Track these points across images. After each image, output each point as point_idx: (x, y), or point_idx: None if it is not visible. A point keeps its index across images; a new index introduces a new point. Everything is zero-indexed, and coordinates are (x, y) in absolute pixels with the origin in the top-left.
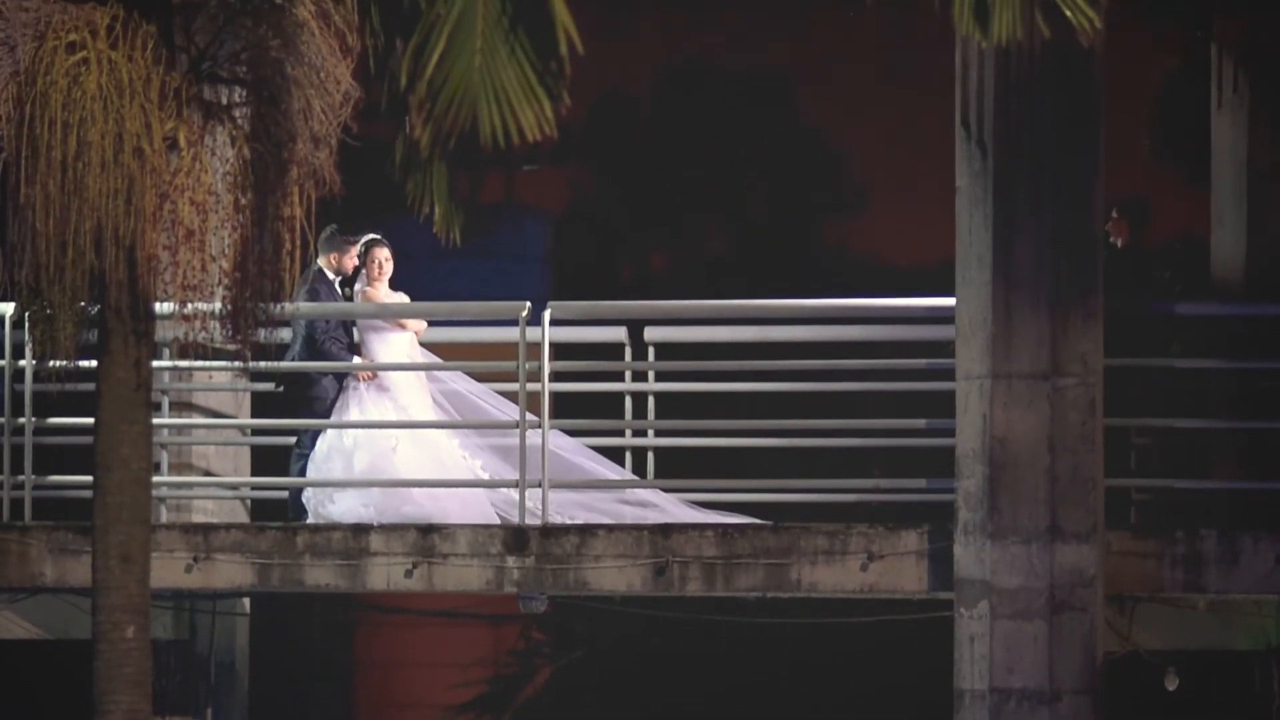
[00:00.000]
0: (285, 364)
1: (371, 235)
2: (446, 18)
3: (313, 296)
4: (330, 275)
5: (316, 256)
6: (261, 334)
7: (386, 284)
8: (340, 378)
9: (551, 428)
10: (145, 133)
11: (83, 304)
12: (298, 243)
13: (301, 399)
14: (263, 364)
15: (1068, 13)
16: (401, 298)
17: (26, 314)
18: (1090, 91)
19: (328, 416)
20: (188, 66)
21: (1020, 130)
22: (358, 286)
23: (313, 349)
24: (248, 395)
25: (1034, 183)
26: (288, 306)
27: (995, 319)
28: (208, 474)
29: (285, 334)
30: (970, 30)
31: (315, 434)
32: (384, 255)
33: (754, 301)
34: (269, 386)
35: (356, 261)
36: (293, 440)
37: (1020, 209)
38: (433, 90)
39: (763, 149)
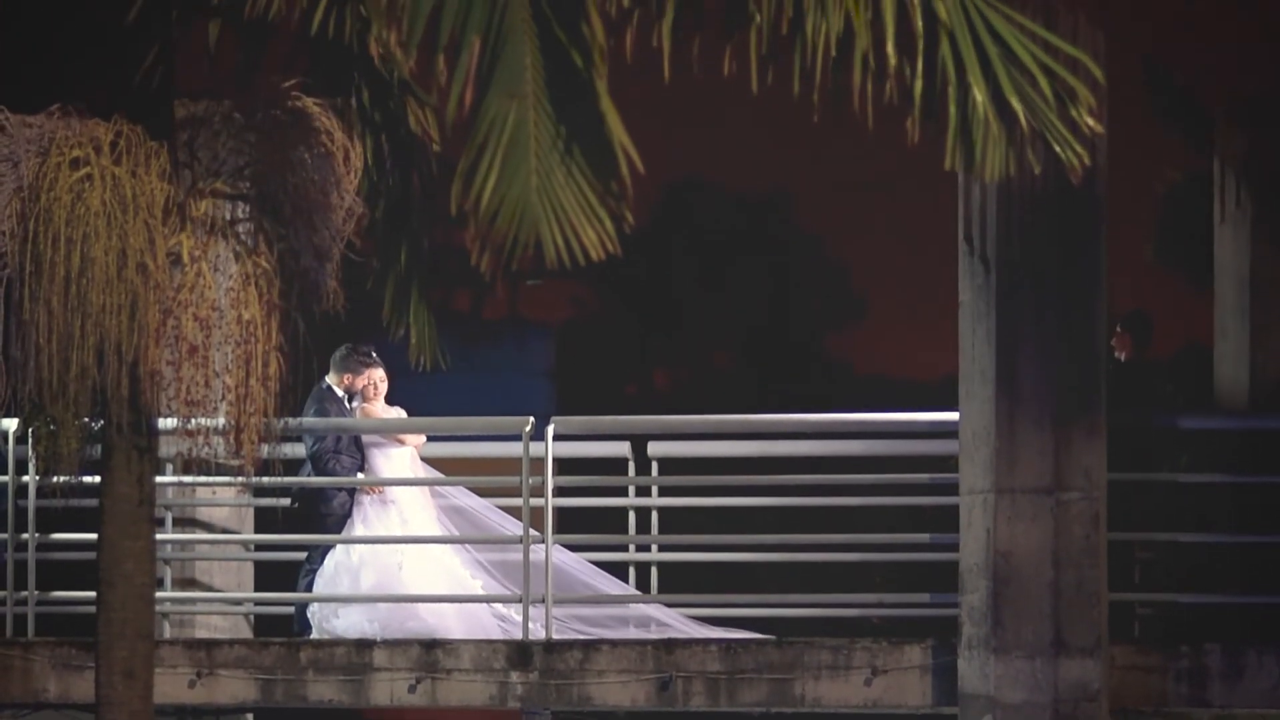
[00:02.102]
0: (287, 479)
1: (366, 353)
2: (499, 141)
3: (321, 415)
4: (339, 393)
5: (325, 374)
6: (264, 449)
7: (383, 401)
8: (353, 495)
9: (555, 543)
10: (149, 248)
11: (86, 419)
12: (301, 358)
13: (314, 515)
14: (265, 479)
15: (1057, 148)
16: (399, 412)
17: (30, 429)
18: (1092, 207)
19: (339, 533)
20: (191, 182)
21: (1022, 246)
22: (354, 404)
23: (319, 466)
24: (251, 510)
25: (1036, 298)
26: (290, 422)
27: (998, 433)
28: (211, 589)
29: (290, 449)
30: (959, 167)
31: (325, 550)
32: (379, 375)
33: (757, 416)
34: (272, 501)
35: (365, 381)
36: (296, 555)
37: (1023, 324)
38: (489, 214)
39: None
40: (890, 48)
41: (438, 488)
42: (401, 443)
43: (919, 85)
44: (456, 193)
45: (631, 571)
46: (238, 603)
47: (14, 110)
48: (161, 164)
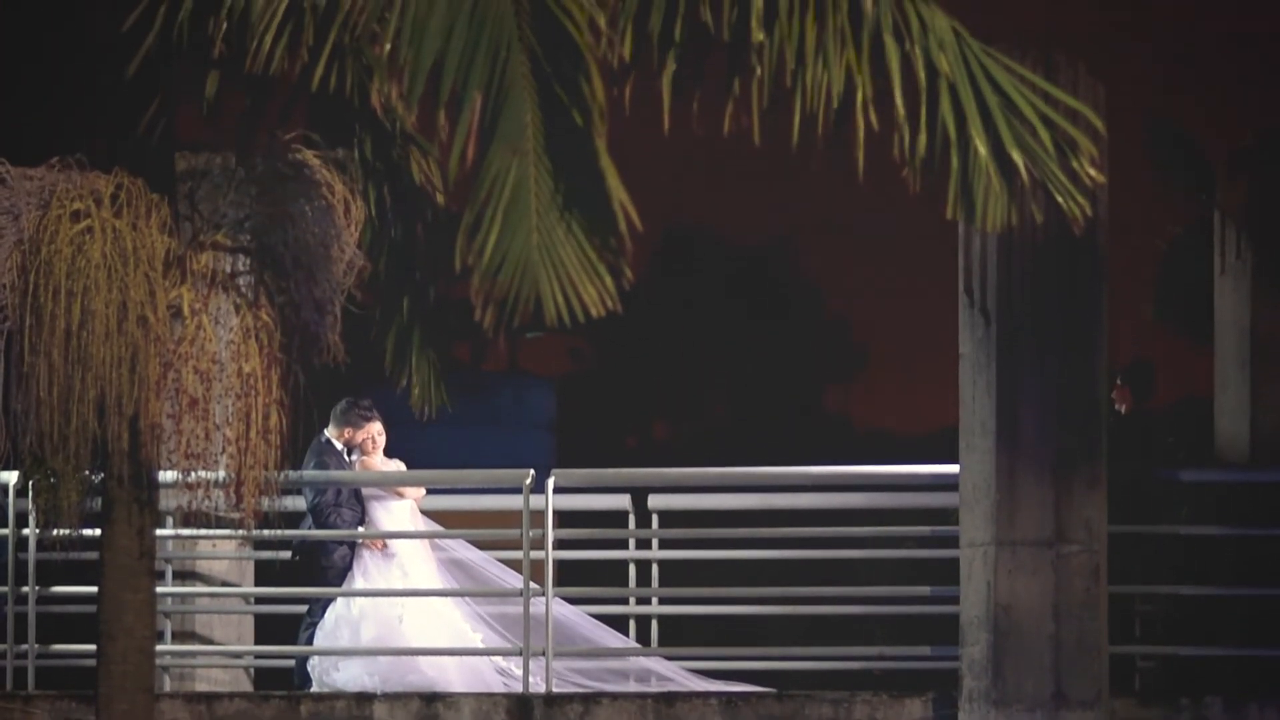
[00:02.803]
0: (288, 532)
1: (366, 407)
2: (500, 197)
3: (321, 468)
4: (339, 446)
5: (325, 427)
6: (265, 502)
7: (382, 455)
8: (354, 548)
9: (555, 596)
10: (149, 301)
11: (86, 472)
12: (301, 411)
13: (314, 568)
14: (266, 532)
15: (1059, 199)
16: (398, 465)
17: (30, 482)
18: (1093, 259)
19: (340, 586)
20: (191, 235)
21: (1023, 298)
22: (354, 457)
23: (319, 519)
24: (251, 563)
25: (1037, 350)
26: (291, 475)
27: (999, 486)
28: (211, 642)
29: (290, 502)
30: (959, 217)
31: (326, 603)
32: (377, 429)
33: (757, 469)
34: (273, 554)
35: (365, 435)
36: (297, 608)
37: (1024, 376)
38: (491, 270)
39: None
40: (897, 98)
41: (437, 540)
42: (401, 496)
43: (922, 137)
44: (460, 248)
45: (632, 625)
46: (238, 656)
47: (15, 163)
48: (162, 217)
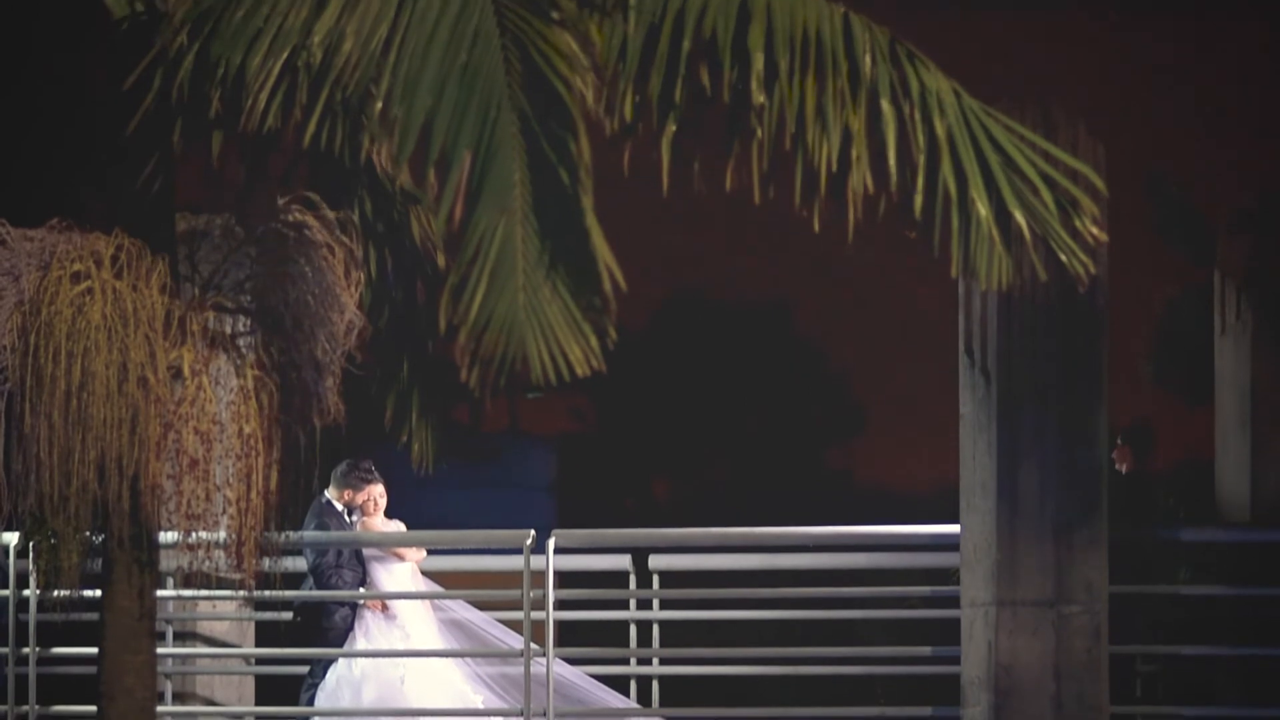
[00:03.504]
0: (289, 593)
1: (367, 469)
2: (487, 256)
3: (321, 529)
4: (339, 508)
5: (325, 488)
6: (266, 563)
7: (382, 516)
8: (355, 609)
9: (556, 657)
10: (150, 362)
11: (86, 533)
12: (302, 472)
13: (315, 629)
14: (267, 593)
15: (1062, 257)
16: (398, 526)
17: (30, 543)
18: (1093, 319)
19: (341, 647)
20: (192, 295)
21: (1023, 358)
22: (354, 518)
23: (320, 581)
24: (252, 624)
25: (1037, 410)
26: (291, 536)
27: (1000, 546)
28: (211, 704)
29: (291, 563)
30: (961, 275)
31: (327, 664)
32: (378, 491)
33: (757, 529)
34: (274, 615)
35: (366, 497)
36: (298, 669)
37: (1024, 436)
38: (477, 330)
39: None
40: (891, 162)
41: (438, 601)
42: (402, 558)
43: (918, 199)
44: (445, 307)
45: (633, 685)
46: (239, 717)
47: (14, 224)
48: (162, 277)
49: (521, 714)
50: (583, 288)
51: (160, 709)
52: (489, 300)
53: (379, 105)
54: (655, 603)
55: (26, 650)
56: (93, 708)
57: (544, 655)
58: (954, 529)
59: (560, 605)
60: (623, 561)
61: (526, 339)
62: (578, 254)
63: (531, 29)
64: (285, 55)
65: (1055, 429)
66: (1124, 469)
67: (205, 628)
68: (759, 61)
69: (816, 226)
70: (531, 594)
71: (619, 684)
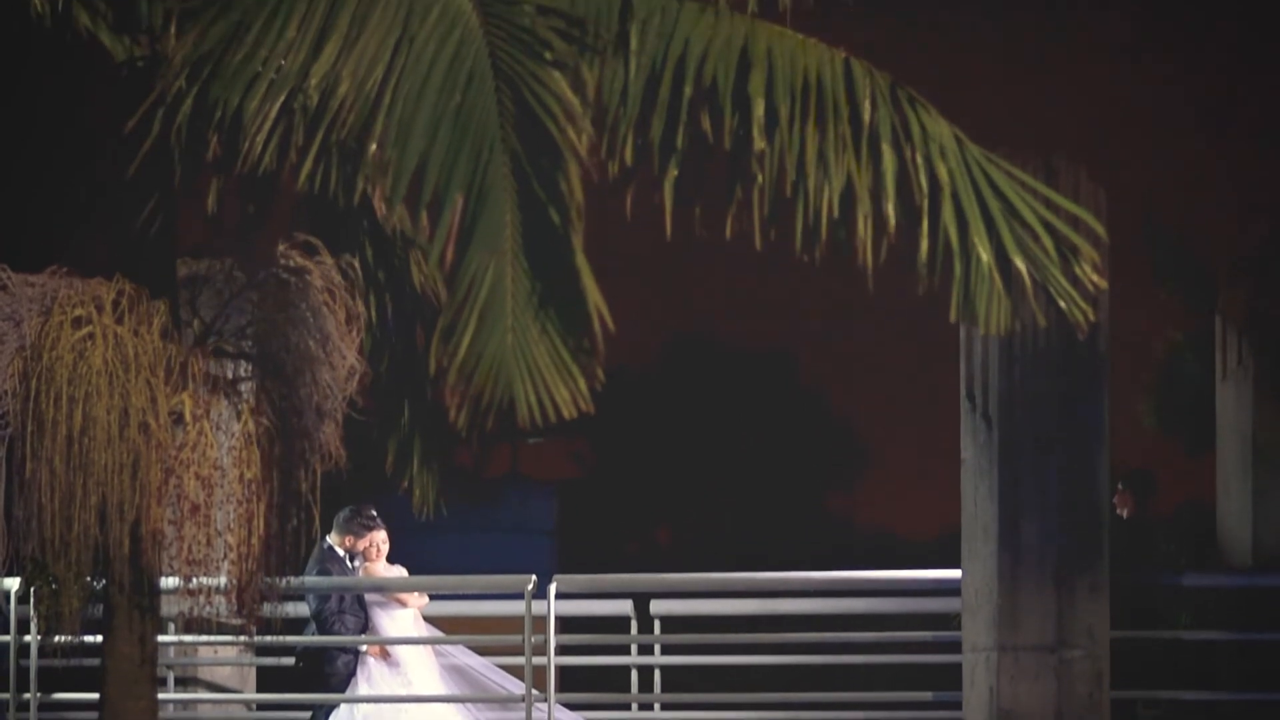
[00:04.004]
0: (290, 638)
1: (370, 515)
2: (477, 297)
3: (323, 575)
4: (341, 553)
5: (327, 534)
6: (267, 609)
7: (384, 562)
8: (357, 655)
9: (557, 702)
10: (151, 407)
11: (88, 579)
12: (303, 517)
13: (317, 674)
14: (268, 639)
15: (1062, 304)
16: (401, 572)
17: (32, 588)
18: (1094, 364)
19: (343, 693)
20: (193, 341)
21: (1025, 403)
22: (356, 564)
23: (322, 626)
24: (253, 670)
25: (1039, 456)
26: (293, 581)
27: (1001, 591)
28: None
29: (293, 608)
30: (962, 320)
31: (329, 709)
32: (381, 537)
33: (759, 574)
34: (274, 660)
35: (368, 543)
36: (300, 715)
37: (1025, 482)
38: (466, 370)
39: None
40: (892, 207)
41: (439, 646)
42: (404, 604)
43: (924, 244)
44: (435, 349)
45: None
46: None
47: (16, 269)
48: (163, 322)
49: None
50: (572, 329)
51: None
52: (478, 341)
53: (373, 147)
54: (657, 648)
55: (27, 696)
56: None
57: (545, 700)
58: (955, 574)
59: (562, 650)
60: (624, 607)
61: (514, 380)
62: (567, 294)
63: (524, 69)
64: (283, 98)
65: (1056, 474)
66: (1125, 514)
67: (206, 673)
68: (760, 107)
69: (817, 259)
70: (533, 639)
71: None
